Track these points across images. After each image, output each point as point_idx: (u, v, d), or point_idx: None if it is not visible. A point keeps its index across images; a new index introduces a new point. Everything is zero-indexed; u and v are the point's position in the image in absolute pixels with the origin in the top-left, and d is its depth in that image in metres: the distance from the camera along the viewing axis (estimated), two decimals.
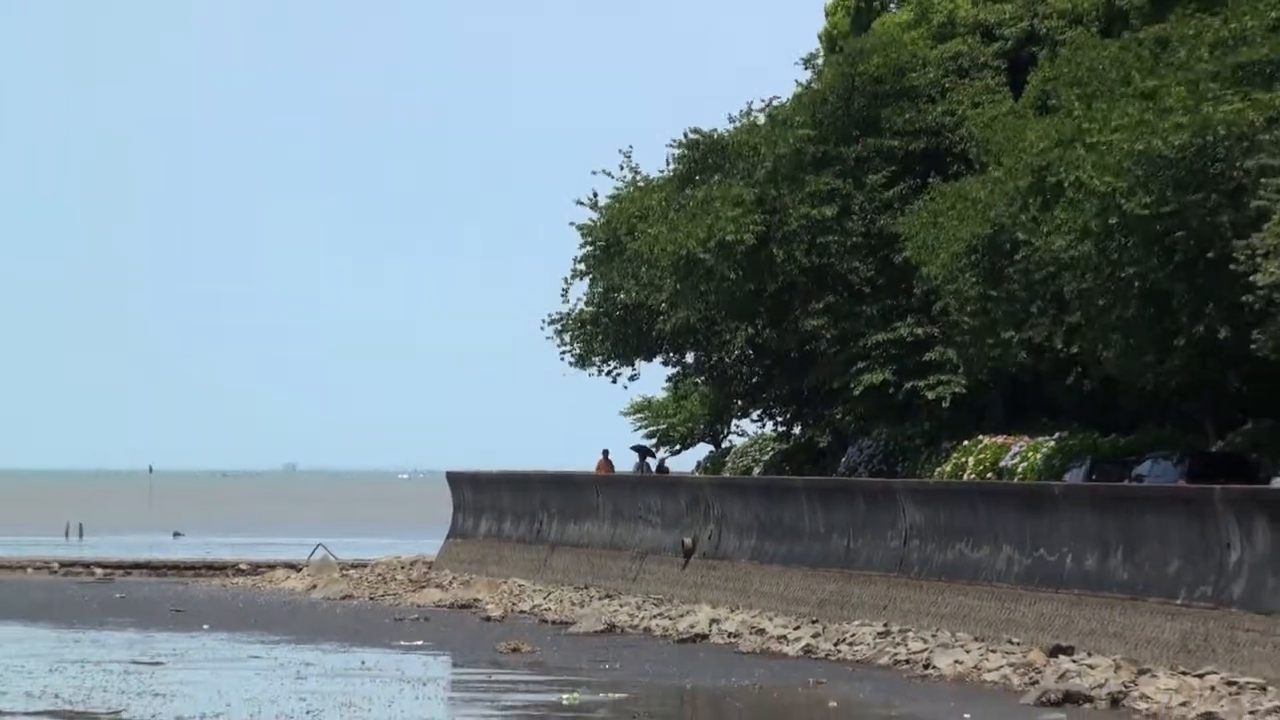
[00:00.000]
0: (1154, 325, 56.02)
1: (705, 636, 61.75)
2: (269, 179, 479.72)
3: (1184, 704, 43.83)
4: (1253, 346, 52.81)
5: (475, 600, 75.33)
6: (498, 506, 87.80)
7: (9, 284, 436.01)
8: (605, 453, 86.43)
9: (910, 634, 56.59)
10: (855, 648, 56.59)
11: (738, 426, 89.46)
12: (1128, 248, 55.64)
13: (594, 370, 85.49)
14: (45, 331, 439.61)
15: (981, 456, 66.60)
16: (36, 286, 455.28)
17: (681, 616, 65.29)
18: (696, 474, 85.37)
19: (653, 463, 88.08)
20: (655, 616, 66.52)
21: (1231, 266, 52.23)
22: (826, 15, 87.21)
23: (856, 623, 59.25)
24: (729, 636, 61.21)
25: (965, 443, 68.13)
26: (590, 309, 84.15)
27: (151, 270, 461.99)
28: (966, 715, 43.93)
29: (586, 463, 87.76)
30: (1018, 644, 52.63)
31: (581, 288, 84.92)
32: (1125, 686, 46.04)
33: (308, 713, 43.58)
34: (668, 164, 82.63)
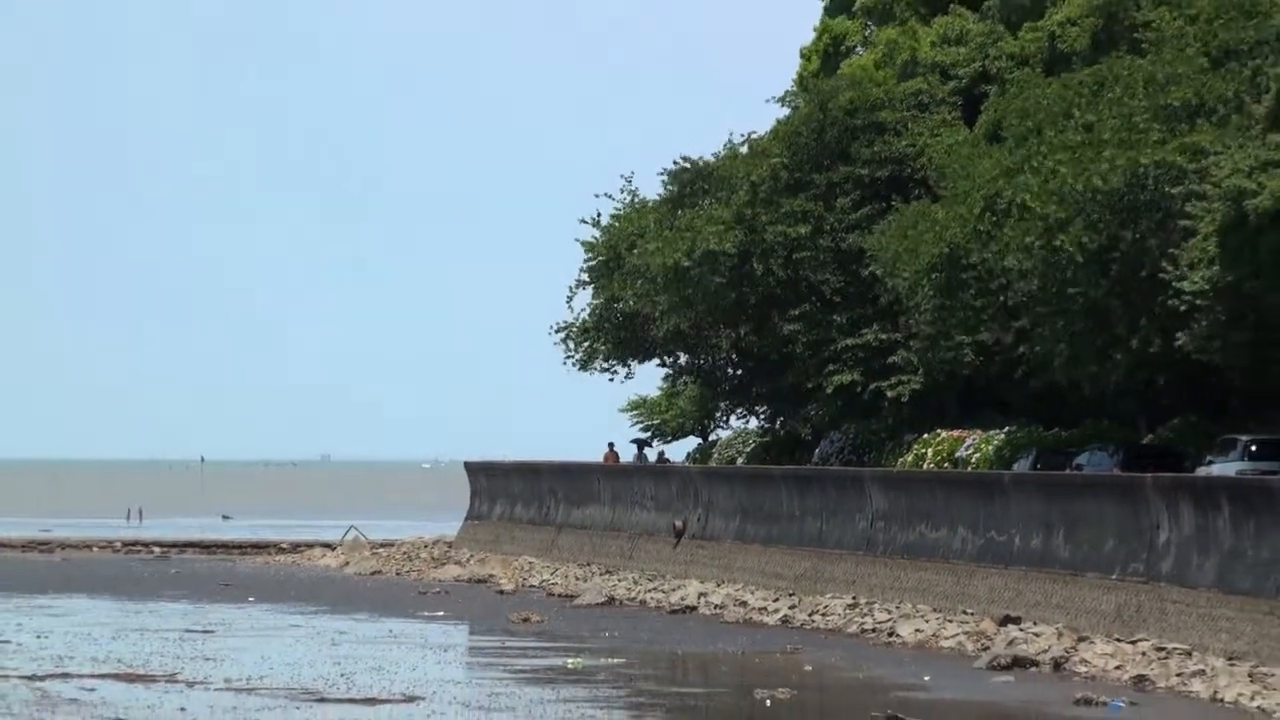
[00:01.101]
0: (1095, 338, 56.21)
1: (694, 608, 61.76)
2: (299, 180, 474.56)
3: (1118, 667, 43.90)
4: (1178, 343, 52.92)
5: (490, 576, 75.33)
6: (510, 492, 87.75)
7: (76, 288, 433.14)
8: (611, 445, 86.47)
9: (876, 606, 56.64)
10: (827, 618, 56.61)
11: (723, 421, 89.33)
12: (1069, 268, 55.84)
13: (594, 371, 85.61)
14: (108, 333, 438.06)
15: (939, 448, 66.65)
16: (104, 291, 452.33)
17: (673, 590, 65.27)
18: (687, 464, 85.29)
19: (651, 454, 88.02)
20: (650, 590, 66.56)
21: (1161, 275, 52.46)
22: (802, 57, 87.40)
23: (828, 596, 59.25)
24: (715, 608, 61.23)
25: (925, 436, 68.19)
26: (593, 317, 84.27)
27: (205, 278, 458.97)
28: (926, 677, 43.90)
29: (592, 453, 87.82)
30: (971, 614, 52.66)
31: (584, 297, 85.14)
32: (1067, 652, 46.08)
33: (342, 675, 43.49)
34: (664, 187, 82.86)
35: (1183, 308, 51.46)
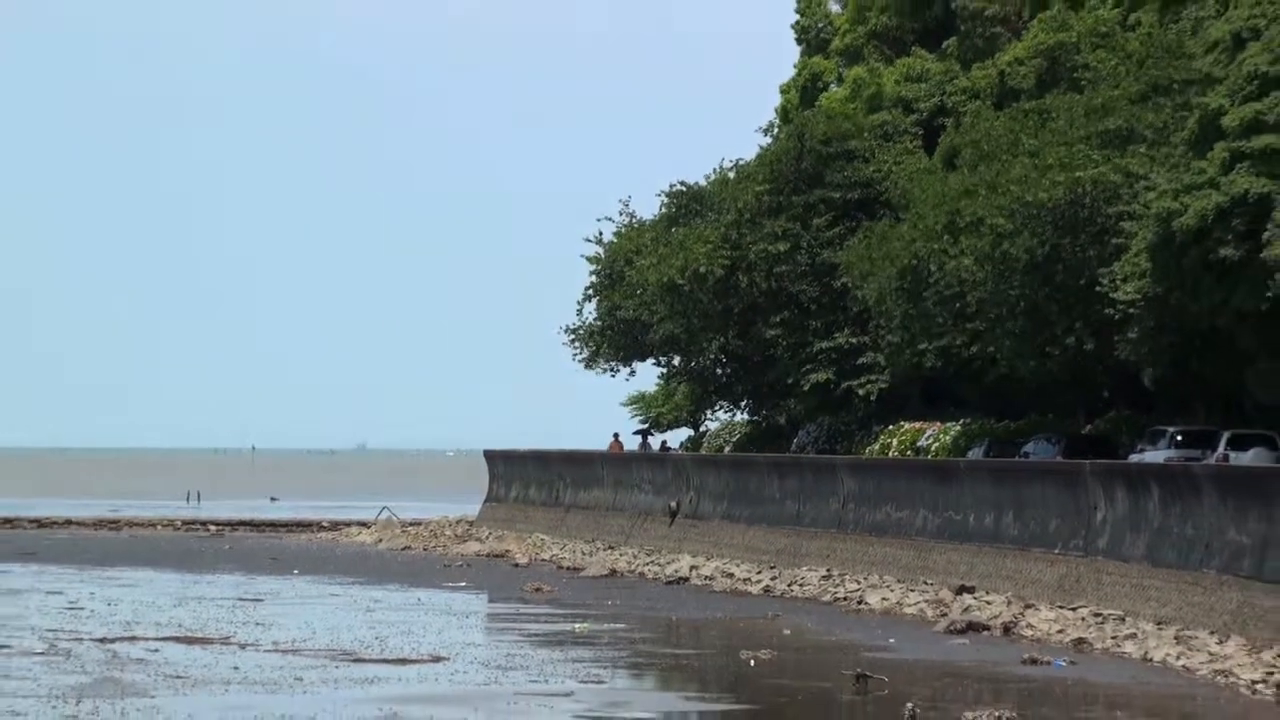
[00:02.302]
0: (1035, 336, 56.30)
1: (686, 579, 61.76)
2: (348, 183, 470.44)
3: (1060, 631, 43.94)
4: (1115, 352, 53.05)
5: (506, 551, 75.31)
6: (524, 477, 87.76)
7: (140, 290, 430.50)
8: (616, 435, 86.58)
9: (847, 577, 56.68)
10: (804, 588, 56.62)
11: (712, 414, 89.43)
12: (1014, 275, 55.94)
13: (599, 370, 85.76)
14: (171, 333, 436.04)
15: (903, 438, 66.76)
16: (168, 294, 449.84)
17: (668, 564, 65.30)
18: (680, 452, 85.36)
19: (655, 442, 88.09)
20: (647, 564, 66.59)
21: (1098, 287, 52.51)
22: (781, 93, 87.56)
23: (805, 568, 59.27)
24: (705, 579, 61.24)
25: (890, 427, 68.30)
26: (598, 323, 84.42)
27: (257, 281, 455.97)
28: (891, 640, 43.89)
29: (598, 442, 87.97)
30: (931, 585, 52.73)
31: (590, 306, 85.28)
32: (1015, 618, 46.12)
33: (376, 638, 43.49)
34: (661, 207, 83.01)
35: (1117, 316, 51.61)
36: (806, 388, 72.12)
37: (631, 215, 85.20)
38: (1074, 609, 45.87)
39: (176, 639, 43.09)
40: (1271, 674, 35.65)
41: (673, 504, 71.76)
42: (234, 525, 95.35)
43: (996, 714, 31.42)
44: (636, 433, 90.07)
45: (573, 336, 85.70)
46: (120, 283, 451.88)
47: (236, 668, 37.82)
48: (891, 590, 53.40)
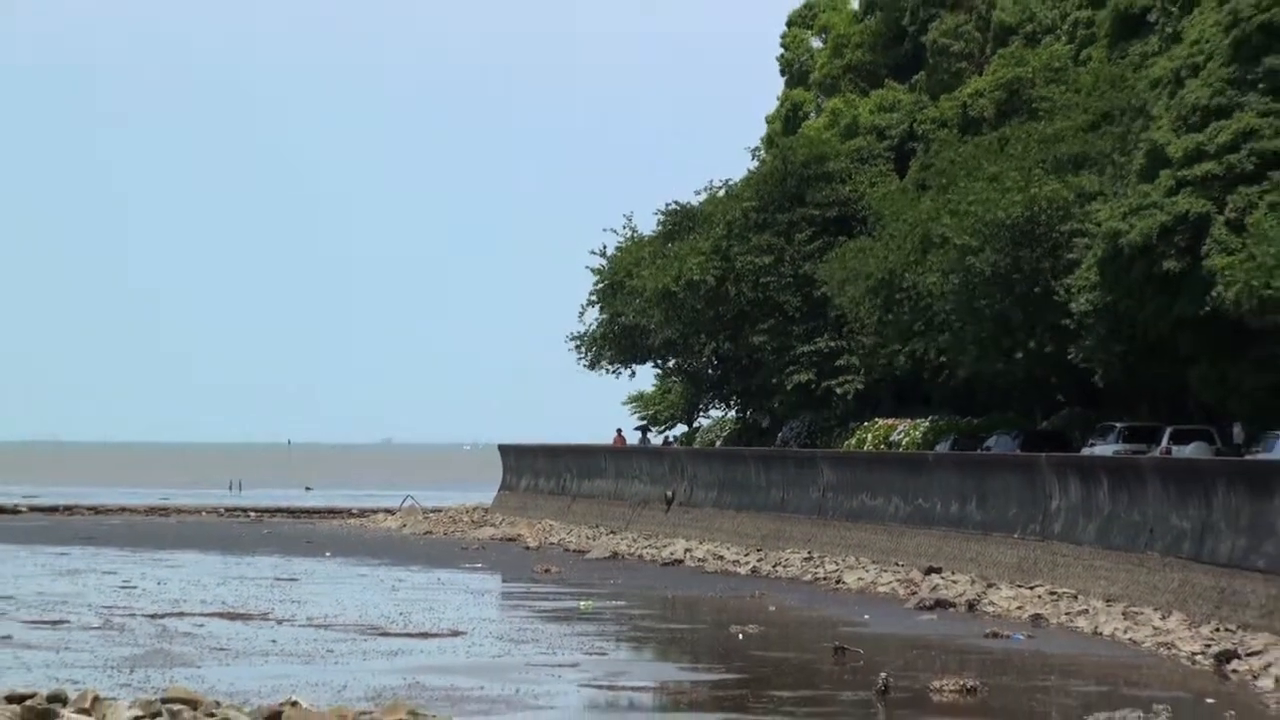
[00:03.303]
0: (999, 342, 56.32)
1: (681, 561, 61.77)
2: (372, 197, 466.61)
3: (1019, 608, 43.95)
4: (1069, 357, 53.09)
5: (518, 535, 75.29)
6: (534, 468, 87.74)
7: (186, 296, 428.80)
8: (619, 430, 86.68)
9: (826, 559, 56.71)
10: (787, 569, 56.65)
11: (705, 411, 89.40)
12: (979, 287, 55.99)
13: (601, 371, 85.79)
14: (218, 335, 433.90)
15: (877, 433, 66.75)
16: (217, 297, 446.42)
17: (664, 547, 65.27)
18: (675, 445, 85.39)
19: (655, 438, 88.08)
20: (646, 547, 66.53)
21: (1054, 297, 52.56)
22: (767, 122, 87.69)
23: (788, 551, 59.32)
24: (698, 561, 61.25)
25: (865, 424, 68.31)
26: (600, 329, 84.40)
27: (299, 275, 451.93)
28: (866, 616, 43.92)
29: (602, 437, 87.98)
30: (902, 566, 52.77)
31: (593, 313, 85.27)
32: (978, 596, 46.20)
33: (400, 614, 43.50)
34: (658, 224, 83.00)
35: (1072, 325, 51.67)
36: (790, 387, 72.14)
37: (633, 229, 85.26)
38: (1031, 588, 45.92)
39: (220, 615, 43.10)
40: (1209, 646, 35.70)
41: (669, 493, 71.77)
42: (272, 512, 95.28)
43: (961, 682, 31.47)
44: (638, 428, 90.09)
45: (577, 342, 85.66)
46: (164, 289, 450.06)
47: (274, 641, 37.86)
48: (866, 571, 53.41)
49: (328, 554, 66.09)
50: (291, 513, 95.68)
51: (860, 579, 52.25)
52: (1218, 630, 37.20)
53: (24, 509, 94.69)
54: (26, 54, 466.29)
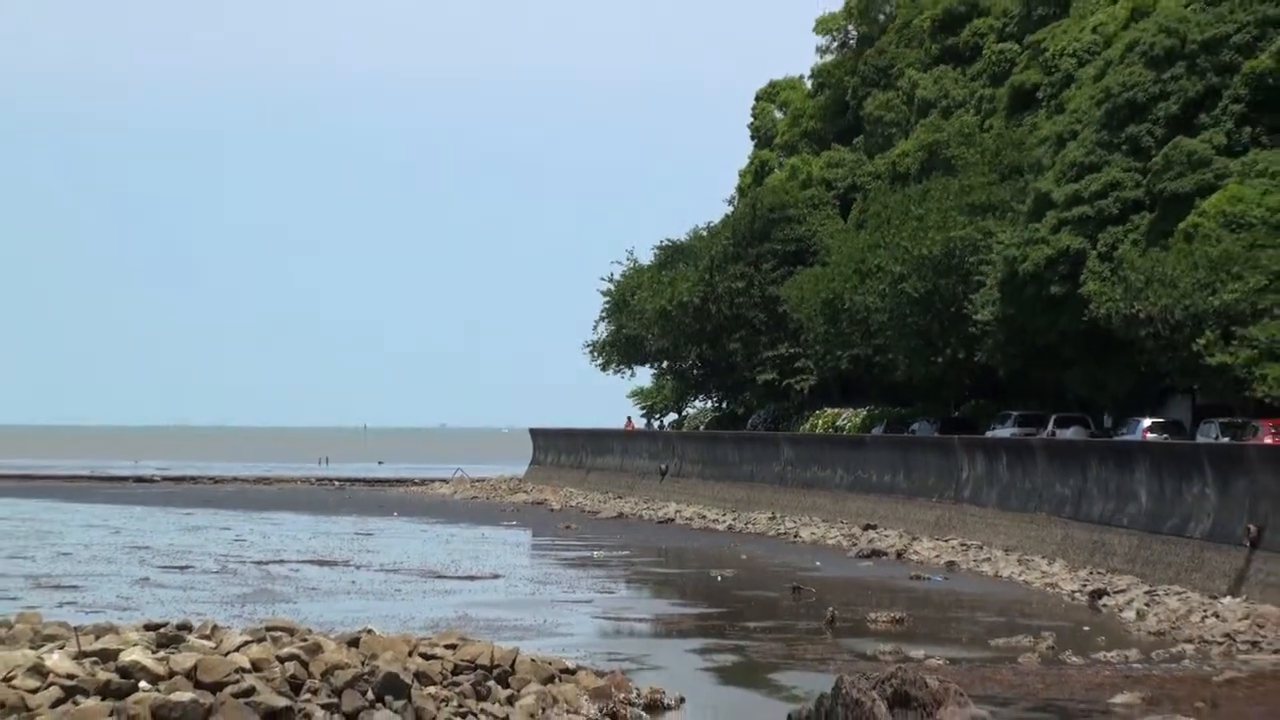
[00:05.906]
0: (923, 351, 56.31)
1: (672, 520, 61.73)
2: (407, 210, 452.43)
3: (937, 556, 43.92)
4: (976, 359, 53.01)
5: (545, 500, 75.25)
6: (558, 447, 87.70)
7: (261, 298, 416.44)
8: (629, 419, 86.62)
9: (786, 519, 56.74)
10: (756, 526, 56.60)
11: (691, 403, 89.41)
12: (908, 306, 55.92)
13: (610, 372, 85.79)
14: (295, 332, 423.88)
15: (826, 420, 66.67)
16: (290, 296, 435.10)
17: (659, 509, 65.21)
18: (668, 429, 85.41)
19: (656, 424, 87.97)
20: (645, 509, 66.49)
21: (964, 310, 52.51)
22: (739, 176, 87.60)
23: (756, 512, 59.39)
24: (686, 520, 61.20)
25: (817, 412, 68.23)
26: (609, 338, 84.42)
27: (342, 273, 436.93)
28: (818, 563, 43.95)
29: (614, 422, 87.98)
30: (845, 524, 52.85)
31: (604, 326, 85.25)
32: (905, 547, 46.24)
33: (452, 561, 43.50)
34: (654, 256, 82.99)
35: (978, 332, 51.62)
36: (758, 383, 72.16)
37: (635, 260, 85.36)
38: (946, 540, 45.97)
39: (311, 562, 43.13)
40: (1085, 586, 35.76)
41: (663, 467, 71.77)
42: (352, 481, 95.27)
43: (892, 614, 31.47)
44: (643, 415, 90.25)
45: (591, 348, 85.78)
46: (238, 287, 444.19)
47: (354, 582, 37.87)
48: (818, 527, 53.46)
49: (395, 514, 66.01)
50: (367, 482, 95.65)
51: (813, 534, 52.30)
52: (1092, 574, 37.27)
53: (159, 479, 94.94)
54: None
